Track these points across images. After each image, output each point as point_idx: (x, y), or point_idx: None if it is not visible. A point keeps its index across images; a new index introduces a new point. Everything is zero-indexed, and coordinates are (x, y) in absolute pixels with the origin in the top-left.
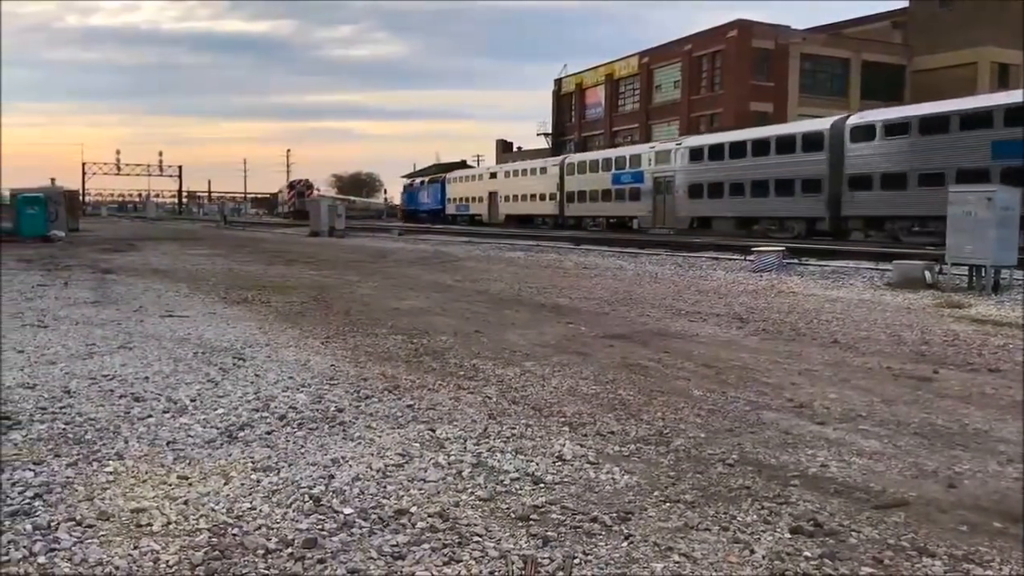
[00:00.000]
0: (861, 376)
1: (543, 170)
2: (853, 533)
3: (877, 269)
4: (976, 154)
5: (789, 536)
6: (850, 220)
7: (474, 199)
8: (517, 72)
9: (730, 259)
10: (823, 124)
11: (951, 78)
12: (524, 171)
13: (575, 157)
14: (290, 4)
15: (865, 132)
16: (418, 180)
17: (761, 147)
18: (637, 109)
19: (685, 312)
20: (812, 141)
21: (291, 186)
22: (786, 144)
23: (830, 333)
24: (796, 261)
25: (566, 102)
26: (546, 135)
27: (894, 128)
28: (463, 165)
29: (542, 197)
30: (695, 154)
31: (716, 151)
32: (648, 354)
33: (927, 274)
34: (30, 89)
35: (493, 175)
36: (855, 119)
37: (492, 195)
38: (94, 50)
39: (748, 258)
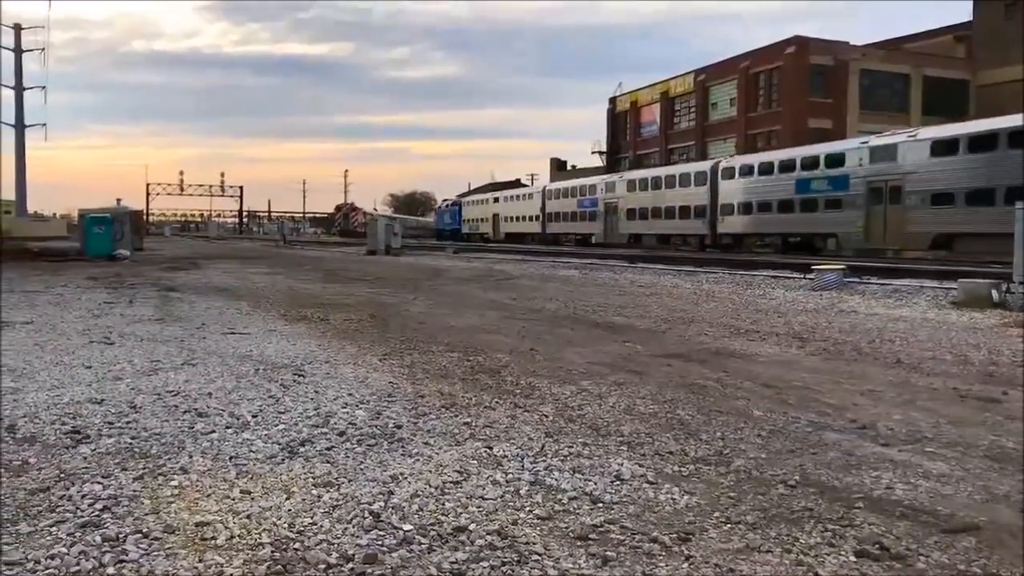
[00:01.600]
0: (926, 397)
1: (530, 196)
2: (921, 557)
3: (941, 287)
4: (786, 190)
5: (854, 559)
6: (723, 237)
7: (483, 220)
8: (572, 90)
9: (788, 277)
10: (707, 165)
11: (1018, 92)
12: (517, 196)
13: (552, 185)
14: (348, 26)
15: (729, 172)
16: (444, 203)
17: (671, 181)
18: (692, 127)
19: (744, 331)
20: (701, 178)
21: (337, 208)
22: (686, 179)
23: (893, 353)
24: (857, 279)
25: (621, 120)
26: (601, 153)
27: (745, 169)
28: (517, 184)
29: (529, 218)
30: (630, 185)
31: (644, 183)
32: (706, 373)
33: (994, 293)
34: (97, 111)
35: (496, 200)
36: (724, 162)
37: (495, 216)
38: (159, 73)
39: (808, 276)
